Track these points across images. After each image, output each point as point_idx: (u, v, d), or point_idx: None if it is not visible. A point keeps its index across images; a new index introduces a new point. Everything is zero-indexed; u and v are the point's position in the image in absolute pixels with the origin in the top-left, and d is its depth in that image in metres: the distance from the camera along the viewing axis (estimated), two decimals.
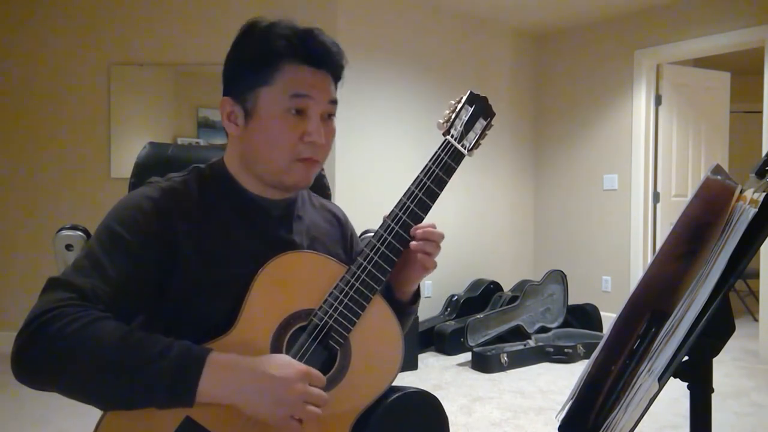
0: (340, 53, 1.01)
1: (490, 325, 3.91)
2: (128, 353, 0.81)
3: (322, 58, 0.99)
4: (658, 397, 0.77)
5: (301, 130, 0.97)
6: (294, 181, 1.01)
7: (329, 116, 1.01)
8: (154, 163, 1.30)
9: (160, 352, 0.82)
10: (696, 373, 0.87)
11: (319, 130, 0.98)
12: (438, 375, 3.55)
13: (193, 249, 0.94)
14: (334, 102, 1.01)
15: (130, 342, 0.82)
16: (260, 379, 0.85)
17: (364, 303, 0.96)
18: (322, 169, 1.28)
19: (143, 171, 1.26)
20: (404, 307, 1.10)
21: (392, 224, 1.00)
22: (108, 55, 3.88)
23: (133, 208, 0.94)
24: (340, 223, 1.19)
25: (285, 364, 0.87)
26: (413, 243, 1.00)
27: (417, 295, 1.12)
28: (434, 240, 1.02)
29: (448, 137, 1.04)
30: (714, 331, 0.82)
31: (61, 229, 1.23)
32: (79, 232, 1.23)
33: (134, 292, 0.90)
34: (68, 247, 1.21)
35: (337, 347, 0.95)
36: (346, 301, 0.96)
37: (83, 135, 3.90)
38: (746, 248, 0.78)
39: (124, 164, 3.84)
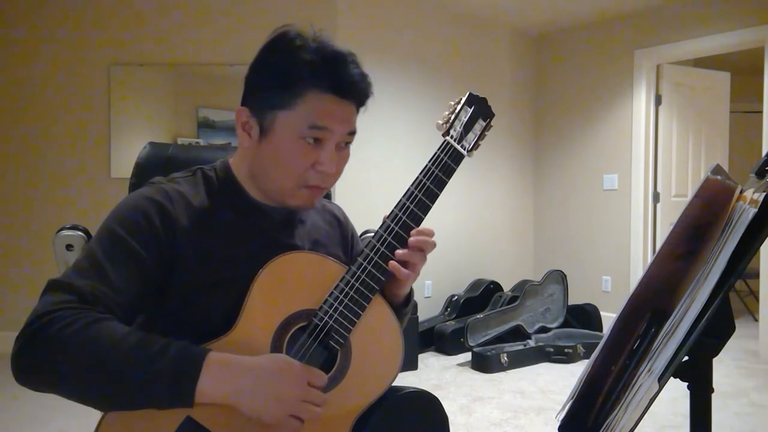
0: (367, 85, 0.99)
1: (490, 325, 3.91)
2: (127, 354, 0.81)
3: (348, 90, 0.96)
4: (658, 397, 0.77)
5: (313, 158, 0.96)
6: (297, 204, 1.01)
7: (345, 144, 1.00)
8: (155, 163, 1.30)
9: (158, 352, 0.82)
10: (696, 373, 0.87)
11: (332, 161, 0.97)
12: (438, 375, 3.55)
13: (194, 250, 0.94)
14: (353, 133, 1.00)
15: (129, 343, 0.81)
16: (259, 378, 0.85)
17: (365, 303, 0.96)
18: None
19: (143, 171, 1.27)
20: (396, 309, 1.09)
21: (392, 225, 1.00)
22: (108, 55, 3.88)
23: (134, 209, 0.94)
24: (339, 223, 1.19)
25: (284, 363, 0.87)
26: (398, 252, 0.99)
27: (408, 298, 1.12)
28: (423, 250, 1.00)
29: (448, 138, 1.05)
30: (714, 331, 0.82)
31: (61, 229, 1.22)
32: (79, 232, 1.22)
33: (135, 294, 0.90)
34: (68, 247, 1.21)
35: (338, 347, 0.95)
36: (346, 301, 0.96)
37: (83, 135, 3.90)
38: (746, 248, 0.78)
39: (124, 164, 3.84)
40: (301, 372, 0.87)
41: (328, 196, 1.33)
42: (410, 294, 1.12)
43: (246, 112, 0.98)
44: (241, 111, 0.99)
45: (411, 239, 1.00)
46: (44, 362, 0.80)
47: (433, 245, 1.02)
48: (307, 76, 0.93)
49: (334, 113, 0.95)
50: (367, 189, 3.95)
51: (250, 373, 0.85)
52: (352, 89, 0.97)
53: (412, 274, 1.01)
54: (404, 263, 1.00)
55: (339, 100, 0.95)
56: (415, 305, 3.58)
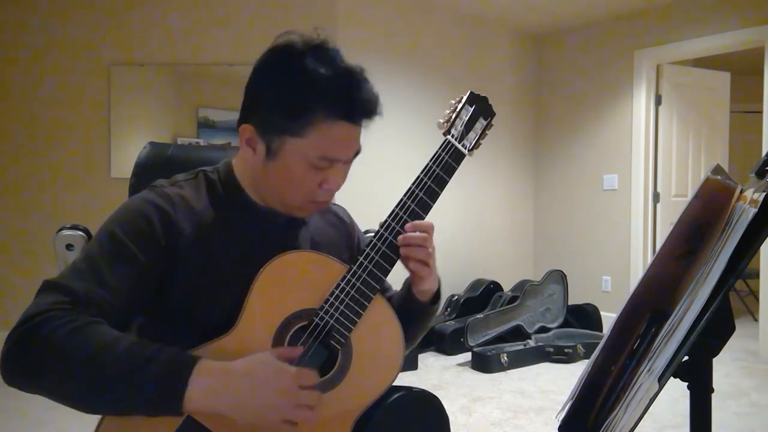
0: (379, 106, 0.96)
1: (490, 325, 3.91)
2: (116, 360, 0.79)
3: (360, 116, 0.95)
4: (658, 397, 0.77)
5: (321, 179, 0.96)
6: (303, 215, 1.04)
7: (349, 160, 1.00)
8: (155, 163, 1.30)
9: (148, 360, 0.80)
10: (696, 373, 0.87)
11: (339, 180, 0.97)
12: (438, 375, 3.55)
13: (196, 254, 0.94)
14: (359, 152, 1.00)
15: (119, 348, 0.80)
16: (249, 387, 0.83)
17: (365, 303, 0.96)
18: None
19: (143, 171, 1.26)
20: (423, 307, 1.10)
21: (393, 223, 1.00)
22: (108, 55, 3.88)
23: (135, 212, 0.93)
24: (344, 224, 1.19)
25: (274, 369, 0.85)
26: (402, 250, 0.99)
27: (437, 295, 1.11)
28: (416, 244, 0.99)
29: (449, 137, 1.04)
30: (714, 331, 0.82)
31: (62, 229, 1.22)
32: (80, 232, 1.22)
33: (131, 297, 0.89)
34: (69, 246, 1.21)
35: (338, 347, 0.95)
36: (347, 300, 0.95)
37: (83, 135, 3.89)
38: (746, 248, 0.78)
39: (124, 164, 3.84)
40: (292, 377, 0.85)
41: None
42: (438, 291, 1.11)
43: (251, 130, 0.96)
44: (245, 129, 0.96)
45: (399, 238, 0.99)
46: (33, 363, 0.79)
47: (422, 239, 0.99)
48: (319, 106, 0.90)
49: (345, 141, 0.95)
50: (366, 189, 3.95)
51: (240, 381, 0.83)
52: (364, 114, 0.95)
53: (429, 270, 1.02)
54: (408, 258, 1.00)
55: (350, 126, 0.94)
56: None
